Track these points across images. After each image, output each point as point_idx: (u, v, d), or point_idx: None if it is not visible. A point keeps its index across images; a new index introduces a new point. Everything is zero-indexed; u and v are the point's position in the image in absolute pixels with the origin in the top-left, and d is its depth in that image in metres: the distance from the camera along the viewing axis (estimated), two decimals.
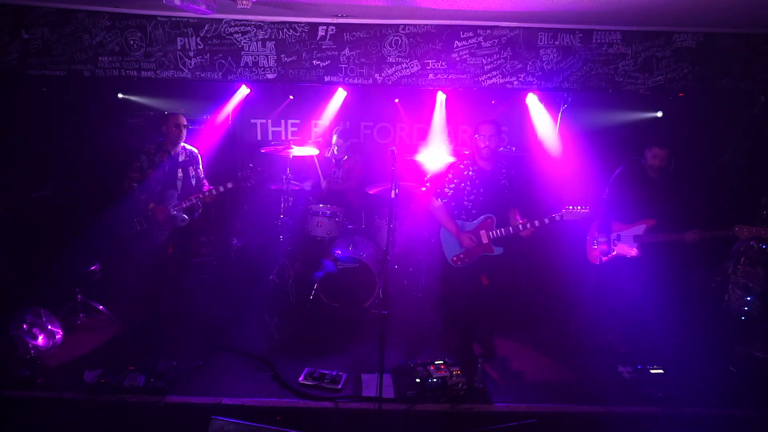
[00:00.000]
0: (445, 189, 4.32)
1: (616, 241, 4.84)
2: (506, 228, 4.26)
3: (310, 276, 5.67)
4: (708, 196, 6.13)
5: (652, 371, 4.27)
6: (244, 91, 6.55)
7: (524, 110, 6.88)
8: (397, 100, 7.10)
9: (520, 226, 4.21)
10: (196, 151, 5.18)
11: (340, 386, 4.09)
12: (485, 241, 4.29)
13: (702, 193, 6.03)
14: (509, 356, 4.78)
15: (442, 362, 4.26)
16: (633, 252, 4.74)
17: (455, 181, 4.30)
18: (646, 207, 4.71)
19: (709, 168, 6.59)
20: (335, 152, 6.35)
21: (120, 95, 6.71)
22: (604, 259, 4.91)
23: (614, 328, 4.98)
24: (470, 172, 4.28)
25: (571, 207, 4.23)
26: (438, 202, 4.33)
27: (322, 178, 6.37)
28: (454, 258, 4.38)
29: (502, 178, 4.32)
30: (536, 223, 4.22)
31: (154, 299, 5.13)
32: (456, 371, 4.14)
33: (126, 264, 5.97)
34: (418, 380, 4.01)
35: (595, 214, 4.81)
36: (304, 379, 4.17)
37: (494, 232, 4.28)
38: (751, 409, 4.04)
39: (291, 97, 6.91)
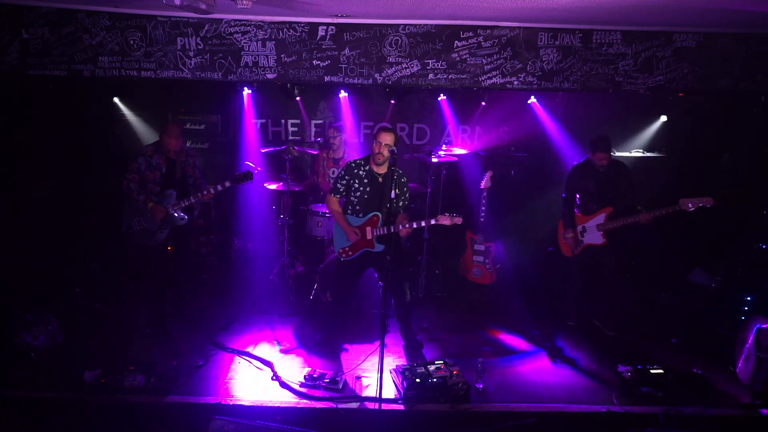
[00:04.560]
0: (338, 185, 4.58)
1: (582, 233, 5.18)
2: (388, 227, 4.48)
3: (310, 276, 5.67)
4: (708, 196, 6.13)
5: (652, 371, 4.27)
6: (245, 91, 6.55)
7: (523, 111, 6.90)
8: (392, 101, 7.08)
9: (400, 226, 4.44)
10: (193, 151, 5.21)
11: (340, 386, 4.10)
12: (369, 237, 4.53)
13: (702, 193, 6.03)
14: (510, 354, 4.79)
15: (442, 362, 4.26)
16: (600, 240, 5.08)
17: (346, 178, 4.56)
18: (601, 197, 5.09)
19: (708, 168, 6.60)
20: (334, 152, 6.35)
21: (116, 99, 6.73)
22: (576, 251, 5.22)
23: (601, 313, 5.23)
24: (362, 172, 4.53)
25: (446, 214, 4.47)
26: (331, 197, 4.64)
27: (321, 178, 6.37)
28: (340, 251, 4.62)
29: (393, 183, 4.49)
30: (414, 224, 4.46)
31: (154, 299, 5.13)
32: (456, 371, 4.14)
33: (126, 263, 5.99)
34: (418, 380, 4.01)
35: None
36: (304, 379, 4.17)
37: (378, 230, 4.52)
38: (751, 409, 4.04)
39: (298, 98, 6.89)
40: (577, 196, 5.29)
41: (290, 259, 5.92)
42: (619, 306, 5.26)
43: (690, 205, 4.59)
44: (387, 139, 4.37)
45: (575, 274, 5.37)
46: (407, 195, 4.71)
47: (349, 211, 4.63)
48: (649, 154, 6.75)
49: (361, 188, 4.55)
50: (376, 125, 7.28)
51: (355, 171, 4.56)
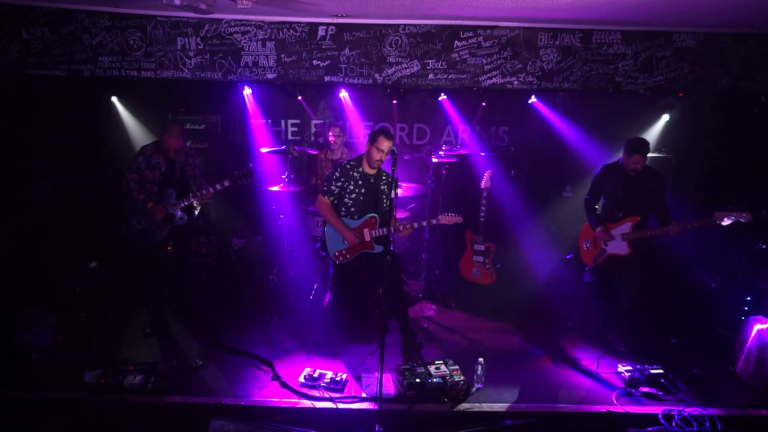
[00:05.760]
0: (332, 187, 4.53)
1: (606, 242, 4.92)
2: (387, 227, 4.38)
3: (311, 276, 5.67)
4: (708, 195, 6.14)
5: (652, 371, 4.27)
6: (246, 91, 6.56)
7: (523, 111, 6.90)
8: (395, 102, 7.09)
9: (400, 226, 4.44)
10: (193, 151, 5.21)
11: (340, 386, 4.09)
12: (367, 238, 4.53)
13: (702, 192, 6.04)
14: (510, 355, 4.79)
15: (442, 362, 4.26)
16: (625, 250, 4.82)
17: (342, 180, 4.53)
18: (628, 205, 4.83)
19: (709, 168, 6.60)
20: (332, 153, 6.34)
21: (115, 99, 6.72)
22: (599, 261, 4.98)
23: (614, 328, 5.00)
24: (356, 174, 4.53)
25: (447, 213, 4.48)
26: (325, 199, 4.56)
27: (320, 179, 6.37)
28: (336, 254, 4.60)
29: (382, 184, 4.58)
30: (415, 225, 4.48)
31: (154, 298, 5.12)
32: (456, 371, 4.14)
33: (126, 263, 6.00)
34: (418, 380, 4.01)
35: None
36: (304, 379, 4.17)
37: (376, 231, 4.53)
38: (752, 408, 4.04)
39: (300, 97, 6.91)
40: (602, 201, 5.07)
41: (290, 260, 5.92)
42: (634, 320, 4.99)
43: (726, 219, 4.38)
44: (388, 146, 4.37)
45: (590, 284, 5.15)
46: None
47: (342, 213, 4.59)
48: (651, 155, 6.74)
49: (356, 190, 4.54)
50: (376, 125, 7.29)
51: (350, 173, 4.54)
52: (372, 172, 4.55)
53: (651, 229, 4.74)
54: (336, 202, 4.60)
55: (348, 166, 4.56)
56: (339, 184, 4.54)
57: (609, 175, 4.94)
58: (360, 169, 4.54)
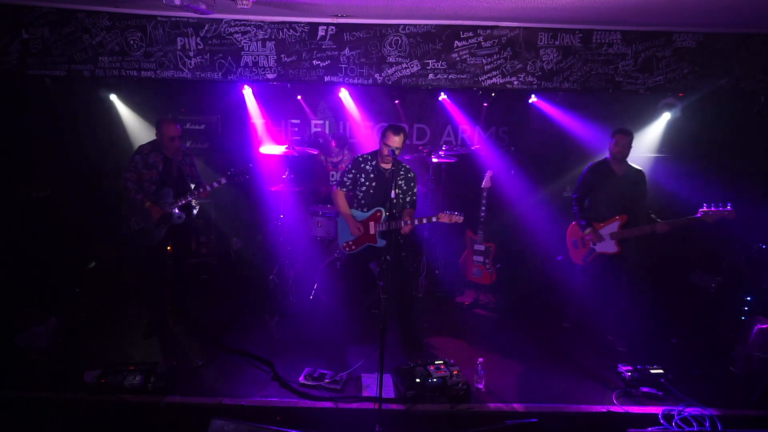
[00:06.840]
0: (345, 179, 4.65)
1: (596, 242, 4.94)
2: (389, 223, 4.43)
3: (310, 276, 5.67)
4: (708, 195, 6.12)
5: (652, 371, 4.27)
6: (246, 91, 6.56)
7: (523, 111, 6.90)
8: (397, 101, 7.10)
9: (402, 222, 4.45)
10: (189, 150, 5.21)
11: (340, 386, 4.10)
12: (372, 232, 4.60)
13: (702, 192, 6.03)
14: (510, 355, 4.79)
15: (442, 362, 4.26)
16: (613, 249, 4.85)
17: (353, 171, 4.63)
18: (616, 204, 4.85)
19: (709, 168, 6.59)
20: (333, 156, 6.34)
21: (115, 99, 6.71)
22: (588, 259, 5.00)
23: (614, 327, 4.99)
24: (368, 167, 4.59)
25: (447, 211, 4.39)
26: (338, 190, 4.72)
27: (320, 180, 6.37)
28: (344, 245, 4.72)
29: (400, 179, 4.60)
30: (416, 221, 4.47)
31: (153, 298, 5.12)
32: (456, 371, 4.14)
33: (125, 263, 6.00)
34: (418, 380, 4.01)
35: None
36: (305, 379, 4.17)
37: (380, 225, 4.58)
38: (751, 409, 4.04)
39: (299, 97, 6.91)
40: (588, 199, 5.08)
41: (290, 260, 5.92)
42: (629, 318, 4.99)
43: (711, 214, 4.45)
44: (397, 142, 4.37)
45: (583, 283, 5.18)
46: (415, 190, 4.70)
47: (354, 206, 4.70)
48: (652, 155, 6.74)
49: (367, 183, 4.61)
50: (376, 124, 7.29)
51: (362, 165, 4.62)
52: (388, 166, 4.56)
53: (638, 227, 4.77)
54: (351, 194, 4.73)
55: (361, 158, 4.65)
56: (350, 176, 4.65)
57: (596, 173, 4.99)
58: (374, 163, 4.60)
